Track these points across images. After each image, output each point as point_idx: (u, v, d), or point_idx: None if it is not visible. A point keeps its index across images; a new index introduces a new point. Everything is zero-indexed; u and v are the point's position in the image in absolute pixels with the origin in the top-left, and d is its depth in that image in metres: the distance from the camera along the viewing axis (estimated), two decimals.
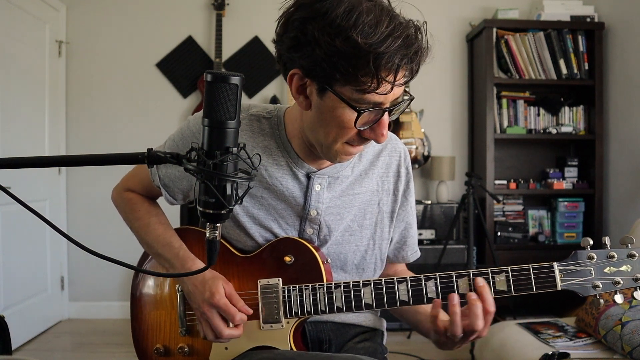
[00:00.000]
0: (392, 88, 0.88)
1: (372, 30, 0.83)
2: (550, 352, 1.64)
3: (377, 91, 0.87)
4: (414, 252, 1.25)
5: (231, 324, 1.03)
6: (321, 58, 0.86)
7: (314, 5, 0.86)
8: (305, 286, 1.04)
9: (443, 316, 0.99)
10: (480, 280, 0.97)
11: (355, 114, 0.89)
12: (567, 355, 1.63)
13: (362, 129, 0.92)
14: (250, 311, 1.04)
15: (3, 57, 2.93)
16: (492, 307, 0.95)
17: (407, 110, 3.54)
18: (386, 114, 0.92)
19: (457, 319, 0.95)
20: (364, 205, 1.14)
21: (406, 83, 0.92)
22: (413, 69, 0.90)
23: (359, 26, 0.83)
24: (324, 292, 1.03)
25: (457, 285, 0.98)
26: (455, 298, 0.96)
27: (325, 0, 0.86)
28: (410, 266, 1.31)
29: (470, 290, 0.97)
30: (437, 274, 1.00)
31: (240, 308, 1.03)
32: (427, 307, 1.04)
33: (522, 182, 3.47)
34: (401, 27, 0.85)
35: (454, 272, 0.99)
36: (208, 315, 1.02)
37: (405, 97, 0.94)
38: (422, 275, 1.00)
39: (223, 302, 1.01)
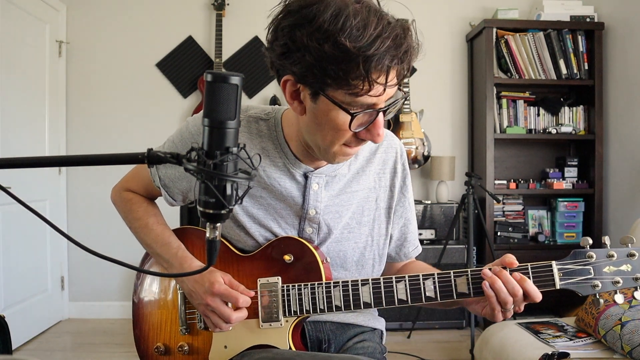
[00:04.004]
0: (384, 89, 0.88)
1: (360, 33, 0.82)
2: (550, 352, 1.64)
3: (370, 93, 0.87)
4: (415, 248, 1.24)
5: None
6: (311, 64, 0.85)
7: (302, 11, 0.86)
8: (304, 285, 1.04)
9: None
10: (512, 259, 0.95)
11: (349, 117, 0.89)
12: (567, 355, 1.63)
13: (357, 130, 0.93)
14: (252, 293, 1.05)
15: (3, 57, 2.93)
16: (515, 290, 0.93)
17: (406, 109, 3.55)
18: (381, 114, 0.92)
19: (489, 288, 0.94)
20: (362, 203, 1.14)
21: (399, 82, 0.91)
22: (404, 69, 0.89)
23: (346, 30, 0.82)
24: (322, 291, 1.03)
25: (455, 284, 0.98)
26: (488, 272, 0.95)
27: (312, 5, 0.85)
28: None
29: (469, 290, 0.98)
30: (436, 271, 1.01)
31: (242, 292, 1.04)
32: None
33: (522, 182, 3.47)
34: (389, 27, 0.85)
35: (452, 271, 0.99)
36: (212, 306, 1.02)
37: (400, 96, 0.94)
38: (420, 274, 1.01)
39: (224, 288, 1.02)
